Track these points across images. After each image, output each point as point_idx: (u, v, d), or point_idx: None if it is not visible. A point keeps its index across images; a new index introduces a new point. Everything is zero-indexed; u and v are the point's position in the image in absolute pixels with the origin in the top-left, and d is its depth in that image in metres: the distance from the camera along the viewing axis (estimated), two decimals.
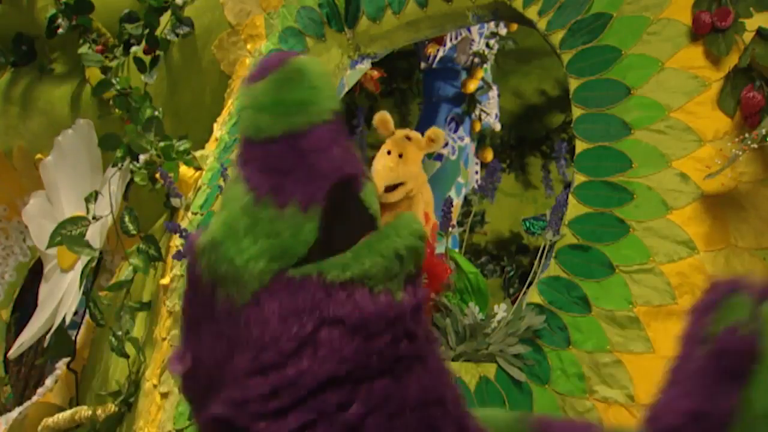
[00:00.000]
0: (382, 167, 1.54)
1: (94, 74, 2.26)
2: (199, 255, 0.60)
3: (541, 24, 1.48)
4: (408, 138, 1.61)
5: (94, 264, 1.87)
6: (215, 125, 1.89)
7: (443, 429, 0.58)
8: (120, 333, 1.76)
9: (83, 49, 2.27)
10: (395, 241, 0.59)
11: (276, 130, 0.60)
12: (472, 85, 2.73)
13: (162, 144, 1.82)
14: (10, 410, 2.29)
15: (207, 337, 0.60)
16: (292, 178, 0.60)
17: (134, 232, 1.83)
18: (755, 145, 1.16)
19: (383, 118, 1.61)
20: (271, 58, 0.63)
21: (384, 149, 1.59)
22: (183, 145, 1.82)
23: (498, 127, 2.87)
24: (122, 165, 1.90)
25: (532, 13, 1.51)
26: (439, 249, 1.35)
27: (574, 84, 1.40)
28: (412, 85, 3.11)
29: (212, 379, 0.59)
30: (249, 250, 0.58)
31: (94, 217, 1.87)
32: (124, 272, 1.89)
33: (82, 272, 1.85)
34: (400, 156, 1.56)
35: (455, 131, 2.75)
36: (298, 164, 0.60)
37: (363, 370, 0.56)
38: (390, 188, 1.55)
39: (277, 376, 0.55)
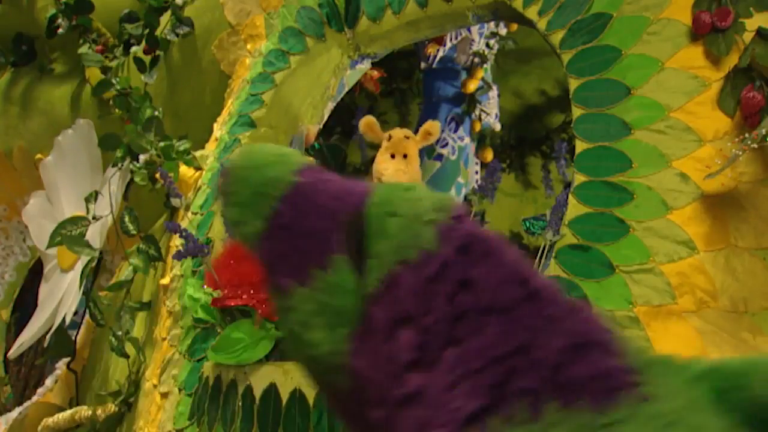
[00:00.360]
0: (395, 171, 1.55)
1: (94, 74, 2.26)
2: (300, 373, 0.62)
3: (541, 24, 1.49)
4: (406, 137, 1.61)
5: (94, 264, 1.87)
6: (215, 125, 1.89)
7: (515, 381, 0.51)
8: (120, 333, 1.76)
9: (83, 49, 2.27)
10: (383, 209, 0.57)
11: (257, 227, 0.60)
12: (472, 85, 2.73)
13: (162, 144, 1.82)
14: (10, 410, 2.29)
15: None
16: (297, 253, 0.59)
17: (134, 232, 1.83)
18: (755, 145, 1.16)
19: (369, 122, 1.60)
20: (220, 175, 0.64)
21: (386, 153, 1.58)
22: (183, 145, 1.82)
23: (498, 127, 2.87)
24: (122, 165, 1.90)
25: (532, 13, 1.51)
26: None
27: (574, 84, 1.41)
28: (412, 85, 3.11)
29: None
30: (314, 339, 0.57)
31: (94, 217, 1.87)
32: (124, 272, 1.89)
33: (82, 272, 1.85)
34: (405, 156, 1.57)
35: (455, 131, 2.75)
36: (293, 239, 0.59)
37: (427, 352, 0.53)
38: None
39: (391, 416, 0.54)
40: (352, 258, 0.58)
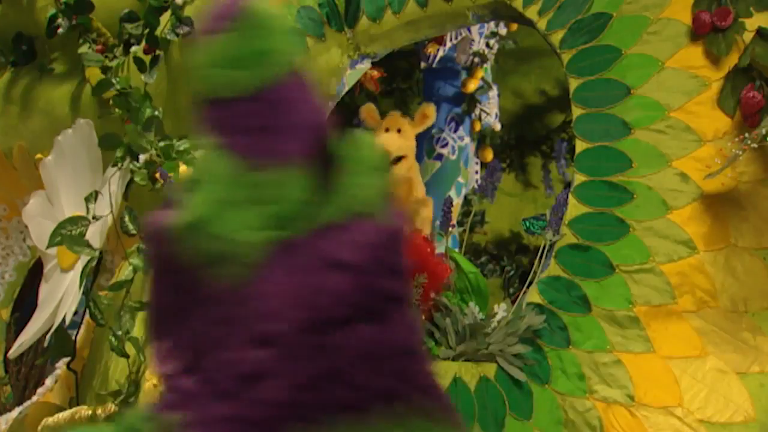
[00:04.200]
0: (387, 137, 1.60)
1: (94, 74, 2.25)
2: (175, 240, 0.54)
3: (541, 24, 1.48)
4: (401, 116, 1.66)
5: (94, 264, 1.86)
6: None
7: (411, 381, 0.54)
8: (120, 333, 1.76)
9: (83, 49, 2.27)
10: (365, 153, 0.57)
11: (248, 86, 0.55)
12: (472, 85, 2.73)
13: (162, 144, 1.82)
14: (10, 410, 2.28)
15: (188, 326, 0.56)
16: (274, 135, 0.55)
17: (134, 232, 1.83)
18: (755, 145, 1.16)
19: (369, 108, 1.64)
20: (225, 7, 0.57)
21: (382, 128, 1.63)
22: (183, 145, 1.82)
23: (498, 127, 2.87)
24: (122, 165, 1.90)
25: (532, 12, 1.51)
26: (439, 249, 1.35)
27: (574, 84, 1.41)
28: (412, 85, 3.11)
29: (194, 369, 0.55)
30: (244, 223, 0.53)
31: (94, 217, 1.87)
32: (124, 272, 1.89)
33: (82, 272, 1.85)
34: (399, 131, 1.62)
35: (455, 131, 2.75)
36: (277, 119, 0.55)
37: (360, 311, 0.53)
38: (395, 161, 1.59)
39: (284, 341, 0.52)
40: (313, 172, 0.56)
